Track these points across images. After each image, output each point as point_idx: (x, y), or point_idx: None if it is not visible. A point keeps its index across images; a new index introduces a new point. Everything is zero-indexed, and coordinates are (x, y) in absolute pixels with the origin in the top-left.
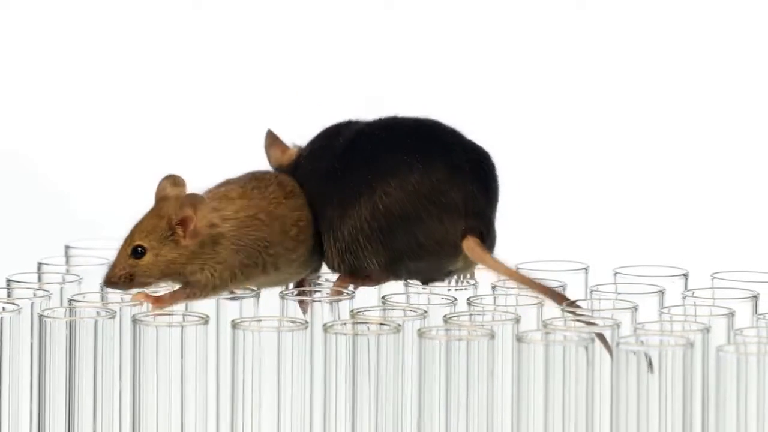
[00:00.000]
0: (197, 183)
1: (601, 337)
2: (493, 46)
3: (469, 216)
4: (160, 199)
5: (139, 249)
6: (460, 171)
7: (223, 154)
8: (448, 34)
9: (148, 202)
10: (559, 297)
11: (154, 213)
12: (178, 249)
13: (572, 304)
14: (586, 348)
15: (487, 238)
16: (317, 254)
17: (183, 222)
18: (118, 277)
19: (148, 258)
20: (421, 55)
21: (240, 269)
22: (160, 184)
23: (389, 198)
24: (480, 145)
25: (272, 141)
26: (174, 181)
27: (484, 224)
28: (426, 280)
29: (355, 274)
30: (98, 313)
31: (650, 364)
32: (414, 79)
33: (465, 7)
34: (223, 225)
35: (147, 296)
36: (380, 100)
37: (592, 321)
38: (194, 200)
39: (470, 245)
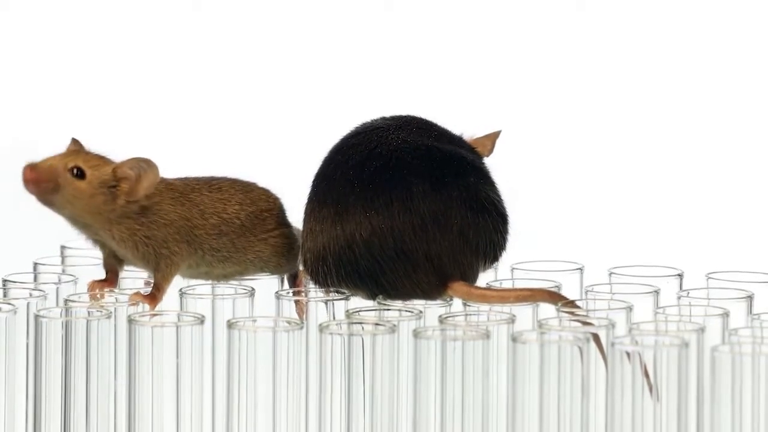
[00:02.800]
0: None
1: (597, 342)
2: (491, 46)
3: (443, 269)
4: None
5: (78, 171)
6: (427, 223)
7: (218, 153)
8: (447, 34)
9: None
10: (556, 297)
11: (99, 156)
12: (111, 204)
13: (571, 303)
14: (581, 348)
15: (468, 279)
16: (254, 254)
17: (124, 180)
18: (46, 179)
19: (82, 186)
20: (420, 55)
21: (172, 246)
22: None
23: (354, 240)
24: (467, 178)
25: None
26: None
27: (465, 270)
28: None
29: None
30: (93, 313)
31: (651, 387)
32: (413, 78)
33: (465, 7)
34: (154, 198)
35: (144, 297)
36: (380, 100)
37: (587, 321)
38: (145, 163)
39: (459, 291)
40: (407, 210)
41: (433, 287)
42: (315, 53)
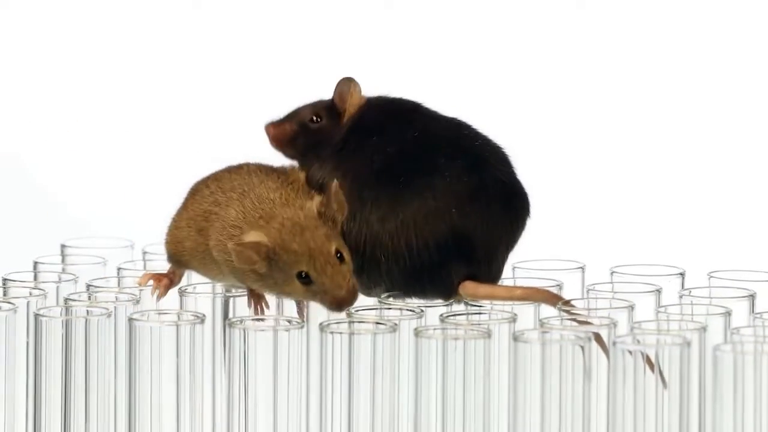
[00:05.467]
0: (189, 181)
1: (598, 338)
2: (492, 45)
3: (480, 274)
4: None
5: (340, 253)
6: (448, 217)
7: (217, 153)
8: (447, 33)
9: (144, 202)
10: (555, 298)
11: (318, 227)
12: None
13: (567, 303)
14: (583, 347)
15: (486, 276)
16: None
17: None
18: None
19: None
20: (421, 55)
21: None
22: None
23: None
24: (507, 174)
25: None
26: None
27: (479, 266)
28: None
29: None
30: (93, 312)
31: (651, 367)
32: (413, 78)
33: (465, 7)
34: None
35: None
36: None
37: (587, 320)
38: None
39: (469, 291)
40: (428, 209)
41: (443, 286)
42: (314, 52)
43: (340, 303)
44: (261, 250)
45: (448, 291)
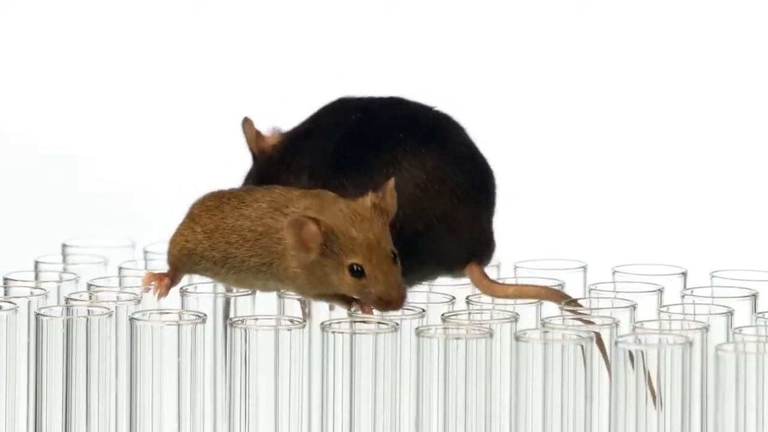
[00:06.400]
0: (190, 181)
1: (600, 345)
2: (493, 45)
3: (474, 240)
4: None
5: (394, 253)
6: (464, 191)
7: (219, 153)
8: (447, 33)
9: (145, 201)
10: (559, 296)
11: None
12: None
13: (572, 302)
14: (584, 347)
15: (488, 259)
16: None
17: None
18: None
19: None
20: (421, 55)
21: None
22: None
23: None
24: (467, 140)
25: (252, 128)
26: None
27: (486, 246)
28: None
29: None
30: (94, 311)
31: (654, 395)
32: (413, 78)
33: (465, 6)
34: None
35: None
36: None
37: (591, 320)
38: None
39: (476, 276)
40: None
41: (458, 262)
42: (313, 52)
43: (388, 304)
44: (321, 226)
45: (459, 266)
